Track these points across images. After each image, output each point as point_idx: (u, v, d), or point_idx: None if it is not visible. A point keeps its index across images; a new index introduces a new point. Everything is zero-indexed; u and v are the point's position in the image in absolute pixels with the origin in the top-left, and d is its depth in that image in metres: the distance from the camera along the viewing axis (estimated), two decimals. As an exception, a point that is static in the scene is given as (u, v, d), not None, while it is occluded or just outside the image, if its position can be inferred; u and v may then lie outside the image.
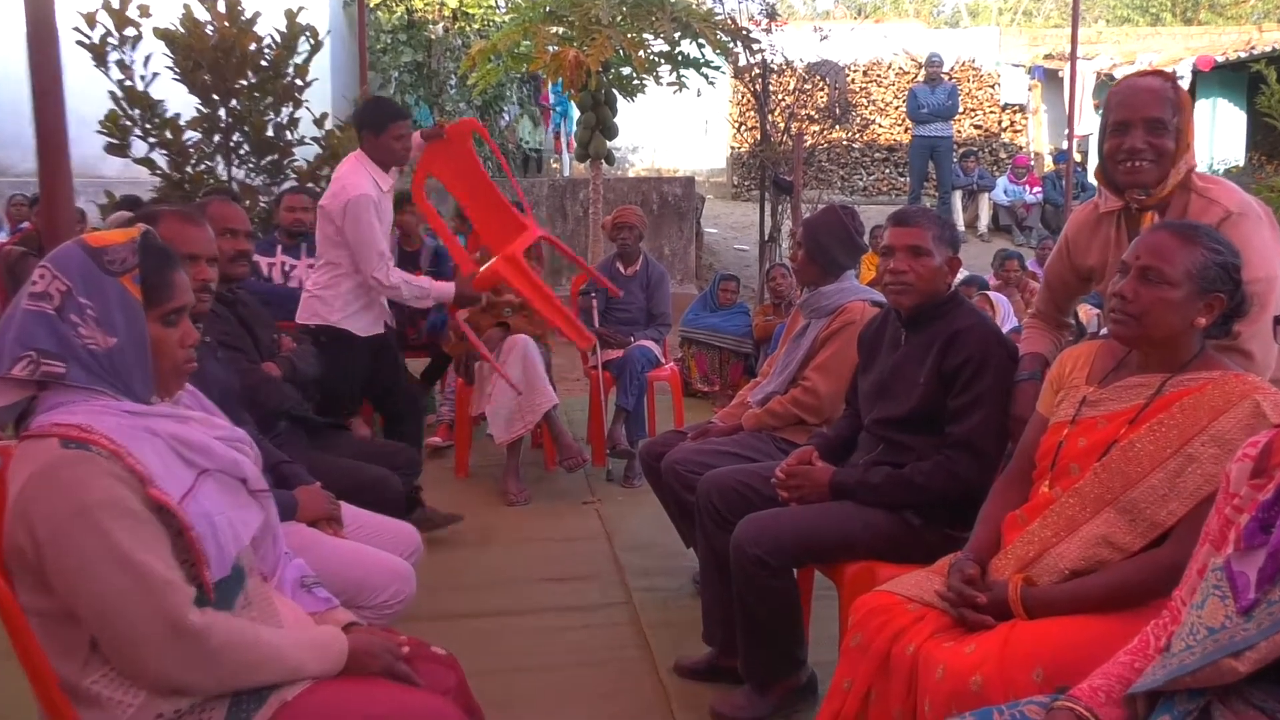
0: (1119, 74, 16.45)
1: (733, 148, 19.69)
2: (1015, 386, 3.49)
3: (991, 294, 8.38)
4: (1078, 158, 16.95)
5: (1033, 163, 18.55)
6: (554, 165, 17.91)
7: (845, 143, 17.04)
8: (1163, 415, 2.72)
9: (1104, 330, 2.96)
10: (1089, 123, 17.07)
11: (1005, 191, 17.04)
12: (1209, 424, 2.64)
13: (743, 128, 18.18)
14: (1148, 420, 2.77)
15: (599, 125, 11.12)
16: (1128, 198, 3.23)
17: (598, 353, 6.81)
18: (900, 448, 3.65)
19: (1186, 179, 3.19)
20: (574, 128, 11.80)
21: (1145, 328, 2.76)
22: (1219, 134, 17.79)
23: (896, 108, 19.36)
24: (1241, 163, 16.24)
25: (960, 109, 17.56)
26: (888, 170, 19.37)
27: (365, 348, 5.07)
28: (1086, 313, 7.06)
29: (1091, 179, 15.86)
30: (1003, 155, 19.68)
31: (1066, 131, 13.13)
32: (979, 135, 20.12)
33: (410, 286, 5.12)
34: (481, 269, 5.47)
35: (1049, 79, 19.37)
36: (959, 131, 19.31)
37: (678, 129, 19.80)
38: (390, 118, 4.98)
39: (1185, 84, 3.72)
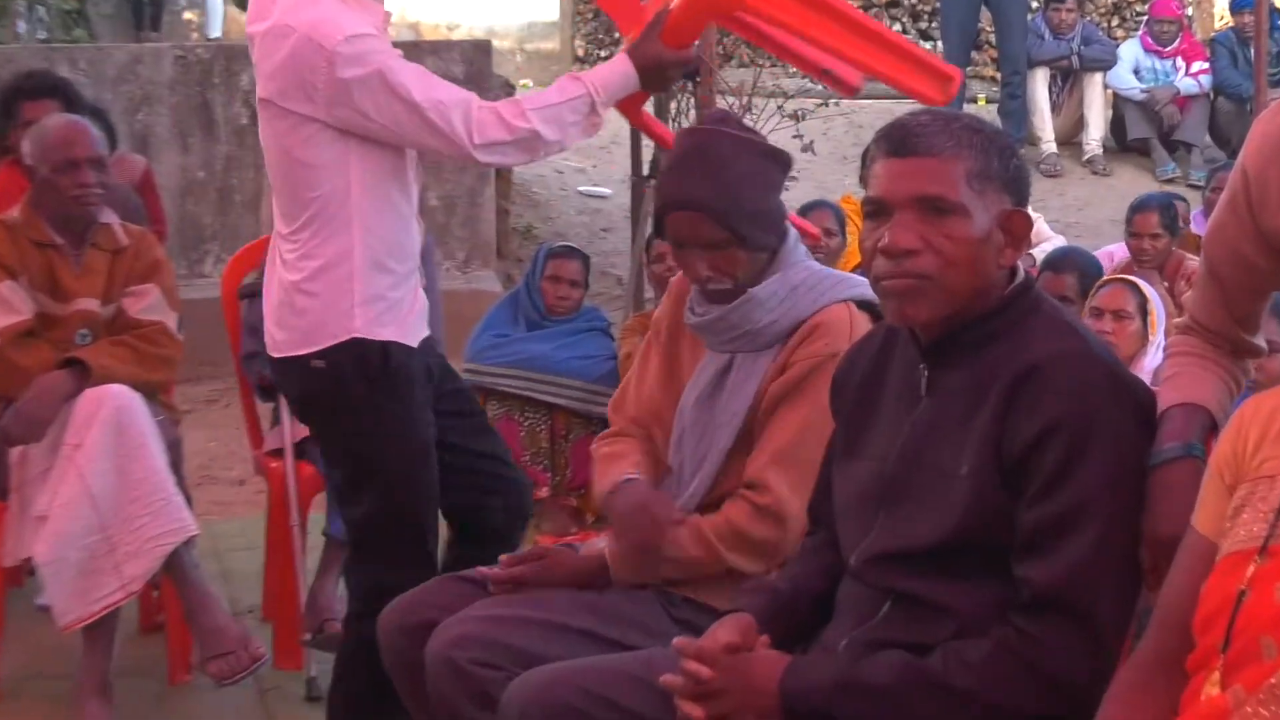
0: None
1: None
2: (1153, 476, 2.70)
3: (1127, 280, 6.20)
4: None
5: (1192, 10, 15.50)
6: (188, 17, 14.61)
7: None
8: None
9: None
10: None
11: (1139, 71, 13.22)
12: None
13: None
14: None
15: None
16: None
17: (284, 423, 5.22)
18: (924, 609, 2.78)
19: None
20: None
21: None
22: None
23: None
24: None
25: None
26: (898, 27, 14.88)
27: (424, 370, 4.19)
28: None
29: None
30: None
31: None
32: None
33: (552, 111, 4.01)
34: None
35: None
36: None
37: None
38: None
39: None
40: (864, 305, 3.61)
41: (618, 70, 4.15)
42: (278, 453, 5.27)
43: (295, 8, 3.95)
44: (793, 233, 3.71)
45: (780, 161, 3.65)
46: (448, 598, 3.57)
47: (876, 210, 2.83)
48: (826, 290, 3.60)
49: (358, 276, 4.00)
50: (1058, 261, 6.42)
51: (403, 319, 4.07)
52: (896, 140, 2.82)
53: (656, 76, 4.16)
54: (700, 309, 3.69)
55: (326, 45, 3.88)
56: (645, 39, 4.13)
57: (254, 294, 5.45)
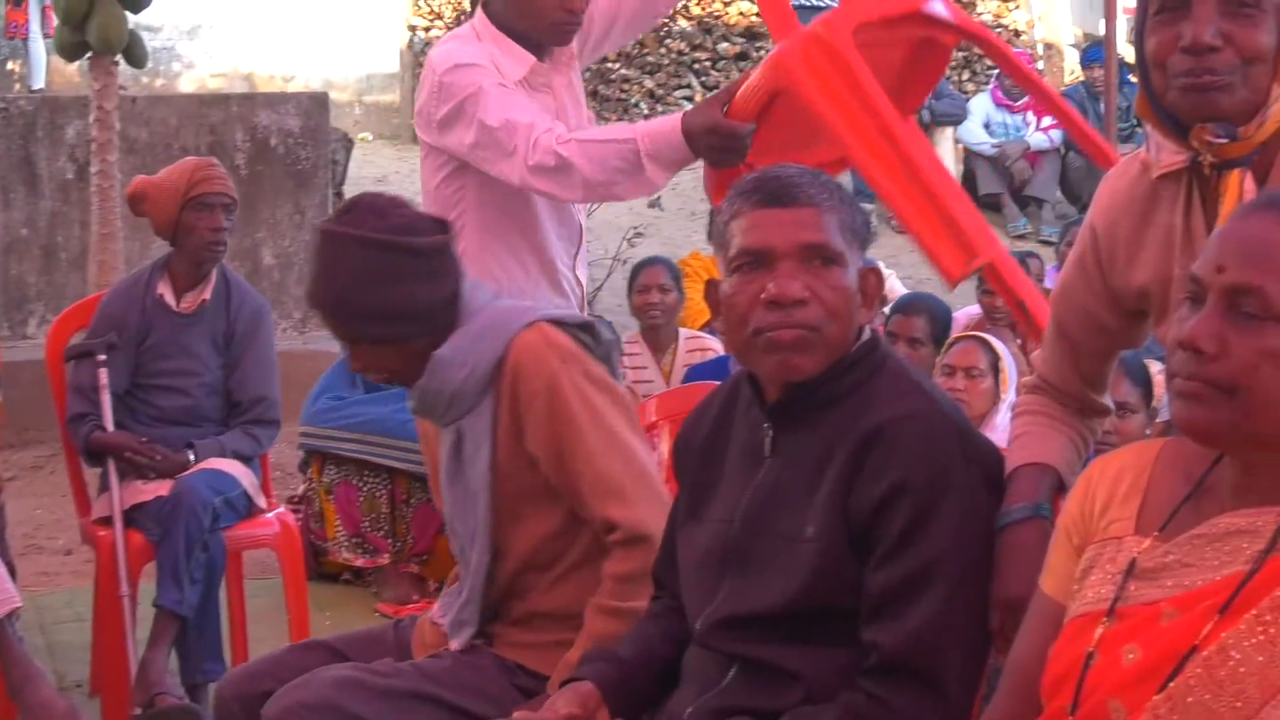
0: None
1: (413, 31, 15.50)
2: (1001, 537, 2.71)
3: (979, 337, 6.14)
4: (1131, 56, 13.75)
5: (1042, 65, 15.91)
6: (11, 68, 14.16)
7: (659, 23, 13.32)
8: None
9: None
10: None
11: (990, 125, 13.51)
12: None
13: None
14: (1253, 605, 2.16)
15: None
16: (1194, 141, 2.57)
17: (108, 491, 5.15)
18: (771, 675, 2.73)
19: None
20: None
21: (1244, 410, 2.18)
22: None
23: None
24: None
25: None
26: None
27: None
28: (1157, 380, 5.46)
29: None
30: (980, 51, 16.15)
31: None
32: None
33: (595, 147, 3.97)
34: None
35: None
36: None
37: None
38: None
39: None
40: (555, 322, 3.54)
41: (667, 125, 4.08)
42: (106, 520, 5.18)
43: (440, 43, 4.22)
44: (468, 283, 3.55)
45: (410, 250, 3.42)
46: (289, 669, 3.48)
47: (756, 261, 2.79)
48: (507, 324, 3.50)
49: None
50: (907, 305, 6.54)
51: None
52: (773, 191, 2.80)
53: (707, 141, 4.01)
54: (413, 392, 3.69)
55: (437, 73, 4.11)
56: (705, 102, 4.10)
57: (81, 355, 5.37)
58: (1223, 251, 2.24)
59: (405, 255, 3.39)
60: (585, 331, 3.58)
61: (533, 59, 4.20)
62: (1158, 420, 5.30)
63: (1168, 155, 2.68)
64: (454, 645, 3.53)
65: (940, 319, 6.32)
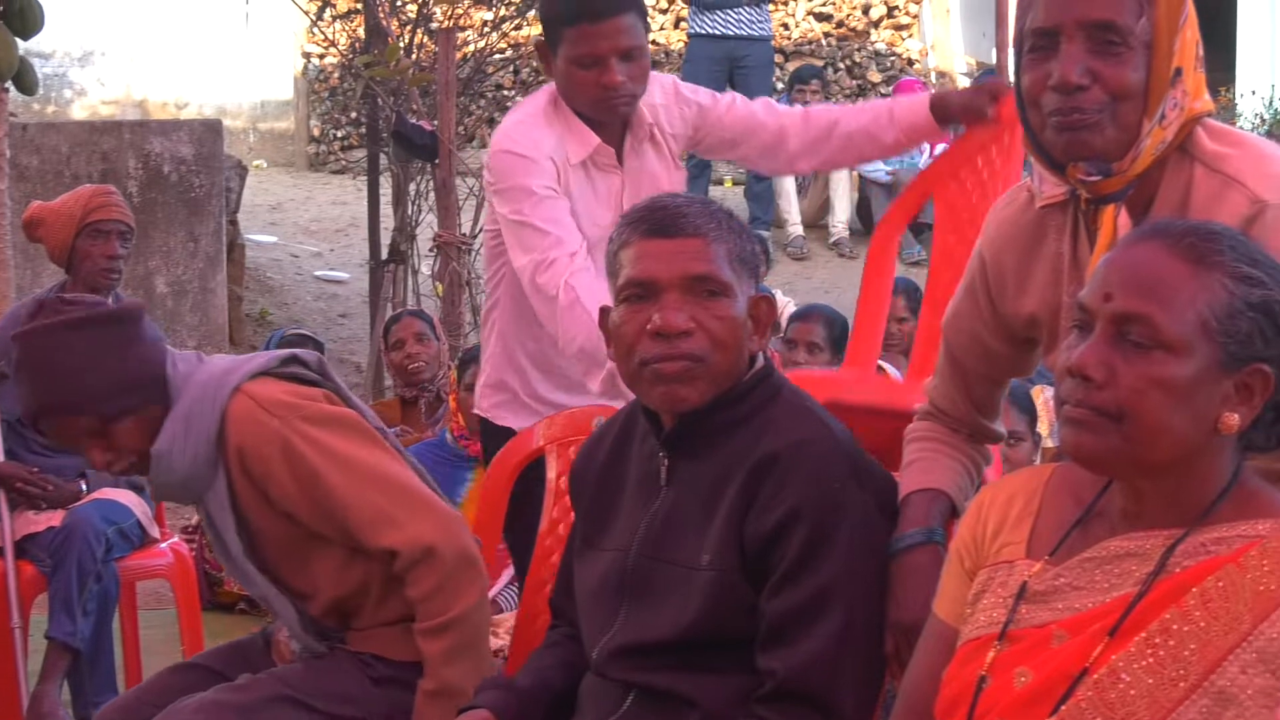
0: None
1: (308, 58, 15.28)
2: (894, 562, 2.73)
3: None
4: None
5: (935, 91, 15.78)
6: None
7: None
8: (1169, 616, 2.19)
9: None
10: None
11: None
12: (1254, 629, 2.15)
13: (325, 18, 13.66)
14: (1142, 627, 2.19)
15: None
16: (1070, 178, 2.58)
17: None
18: (667, 703, 2.73)
19: (1186, 137, 2.57)
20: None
21: (1132, 437, 2.20)
22: None
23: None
24: None
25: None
26: None
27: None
28: (1047, 406, 5.38)
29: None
30: (875, 77, 16.10)
31: (995, 29, 9.98)
32: (828, 36, 16.23)
33: (582, 312, 3.78)
34: None
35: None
36: (784, 28, 16.03)
37: (184, 22, 14.81)
38: (563, 17, 3.97)
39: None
40: (259, 375, 3.52)
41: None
42: (-3, 551, 5.34)
43: (515, 110, 4.19)
44: (172, 353, 3.53)
45: (117, 318, 3.49)
46: (171, 692, 3.45)
47: (643, 292, 2.80)
48: (214, 398, 3.46)
49: (488, 363, 4.27)
50: (805, 313, 6.61)
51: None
52: (659, 222, 2.80)
53: None
54: (145, 480, 3.69)
55: (494, 145, 4.06)
56: None
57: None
58: (1109, 280, 2.26)
59: (112, 325, 3.43)
60: (292, 365, 3.56)
61: (596, 140, 4.10)
62: (1044, 445, 5.32)
63: (1050, 186, 2.69)
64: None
65: (837, 325, 6.32)
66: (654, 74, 4.17)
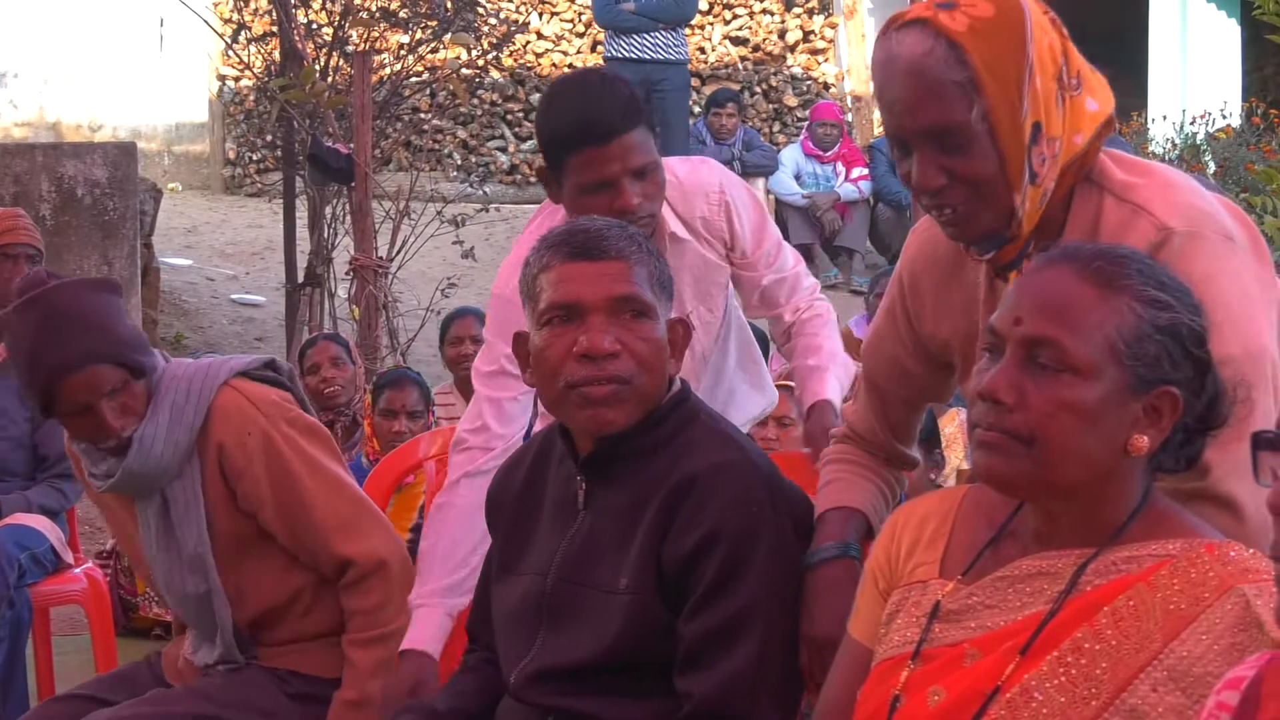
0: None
1: (223, 80, 15.23)
2: (809, 575, 2.72)
3: (789, 386, 5.72)
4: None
5: (851, 117, 15.91)
6: None
7: (470, 70, 12.46)
8: (1081, 634, 2.20)
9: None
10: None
11: (800, 176, 13.45)
12: (1164, 647, 2.16)
13: (240, 40, 12.97)
14: (1054, 646, 2.20)
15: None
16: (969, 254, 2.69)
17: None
18: None
19: (1088, 166, 2.57)
20: None
21: (1042, 460, 2.21)
22: (1196, 62, 14.79)
23: (575, 3, 15.77)
24: (1235, 117, 13.93)
25: (701, 5, 14.78)
26: None
27: None
28: (962, 429, 5.45)
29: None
30: (791, 101, 16.14)
31: None
32: (744, 60, 16.19)
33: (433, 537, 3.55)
34: None
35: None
36: (701, 52, 16.05)
37: (98, 44, 14.72)
38: (565, 142, 3.56)
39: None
40: (245, 374, 3.57)
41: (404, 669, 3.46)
42: None
43: (540, 210, 3.85)
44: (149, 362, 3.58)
45: (109, 286, 3.58)
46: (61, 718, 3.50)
47: (567, 314, 2.77)
48: (200, 391, 3.50)
49: None
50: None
51: None
52: (581, 244, 2.77)
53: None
54: (99, 469, 3.57)
55: (517, 241, 3.93)
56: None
57: None
58: (1019, 304, 2.27)
59: (118, 291, 3.51)
60: (270, 369, 3.61)
61: None
62: (960, 468, 5.35)
63: None
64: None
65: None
66: (701, 181, 3.74)
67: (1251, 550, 2.25)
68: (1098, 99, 2.58)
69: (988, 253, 2.58)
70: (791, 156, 13.39)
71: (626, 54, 12.04)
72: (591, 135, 3.40)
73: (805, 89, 16.04)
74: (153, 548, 3.59)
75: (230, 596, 3.53)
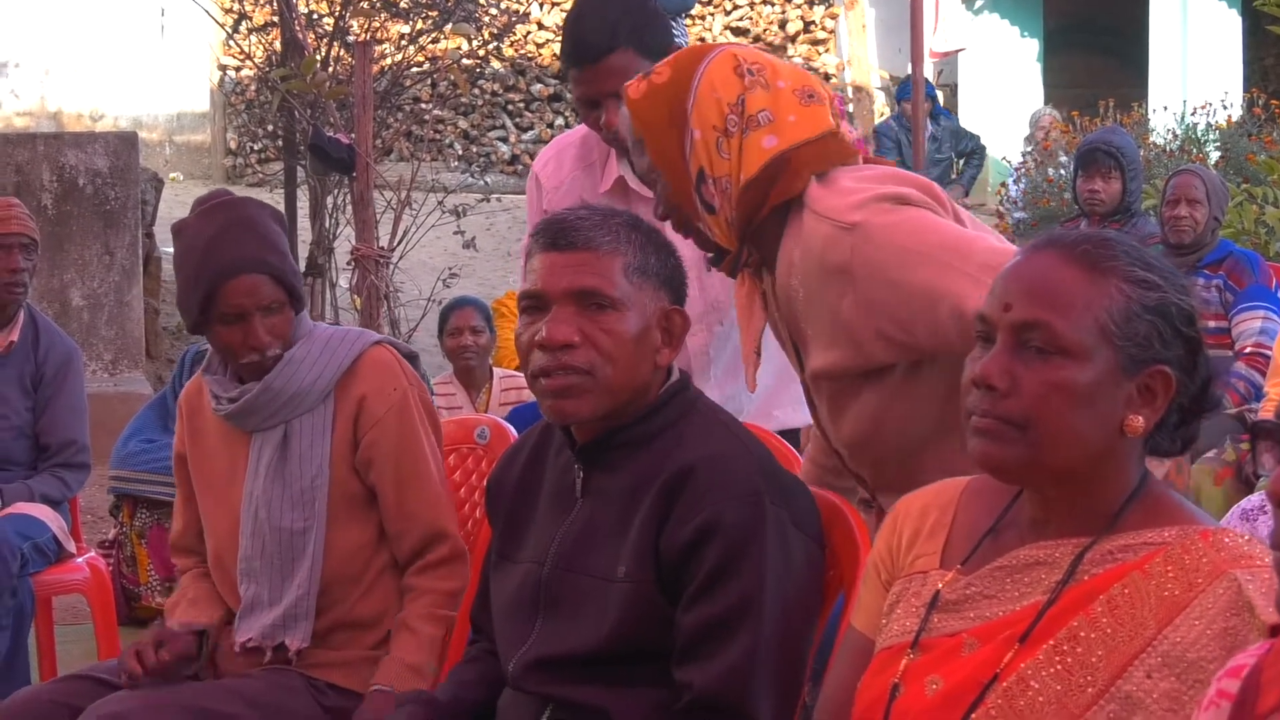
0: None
1: (224, 70, 15.22)
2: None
3: None
4: (941, 95, 14.78)
5: (851, 107, 16.37)
6: None
7: (470, 62, 12.51)
8: (1077, 623, 2.20)
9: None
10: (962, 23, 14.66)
11: None
12: (1159, 634, 2.16)
13: (242, 30, 13.38)
14: (1051, 635, 2.20)
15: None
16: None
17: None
18: (584, 716, 2.70)
19: (794, 192, 2.85)
20: None
21: (1037, 444, 2.21)
22: (1197, 53, 14.78)
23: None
24: (1236, 107, 13.96)
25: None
26: (562, 123, 15.51)
27: None
28: None
29: (967, 125, 14.91)
30: None
31: (910, 44, 10.40)
32: None
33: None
34: None
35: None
36: (701, 43, 16.02)
37: (99, 34, 14.63)
38: (563, 60, 4.08)
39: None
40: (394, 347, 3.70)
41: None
42: None
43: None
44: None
45: (281, 219, 3.67)
46: (82, 697, 3.38)
47: (534, 304, 2.81)
48: (357, 339, 3.61)
49: None
50: None
51: None
52: (554, 234, 2.79)
53: None
54: (231, 393, 3.57)
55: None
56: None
57: None
58: (1008, 290, 2.28)
59: (284, 225, 3.60)
60: (412, 361, 3.68)
61: (617, 173, 3.98)
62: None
63: None
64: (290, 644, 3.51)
65: None
66: None
67: (1246, 536, 2.24)
68: (784, 134, 2.90)
69: (717, 263, 3.04)
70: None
71: None
72: (576, 55, 3.77)
73: (806, 80, 16.30)
74: (260, 481, 3.56)
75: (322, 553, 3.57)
